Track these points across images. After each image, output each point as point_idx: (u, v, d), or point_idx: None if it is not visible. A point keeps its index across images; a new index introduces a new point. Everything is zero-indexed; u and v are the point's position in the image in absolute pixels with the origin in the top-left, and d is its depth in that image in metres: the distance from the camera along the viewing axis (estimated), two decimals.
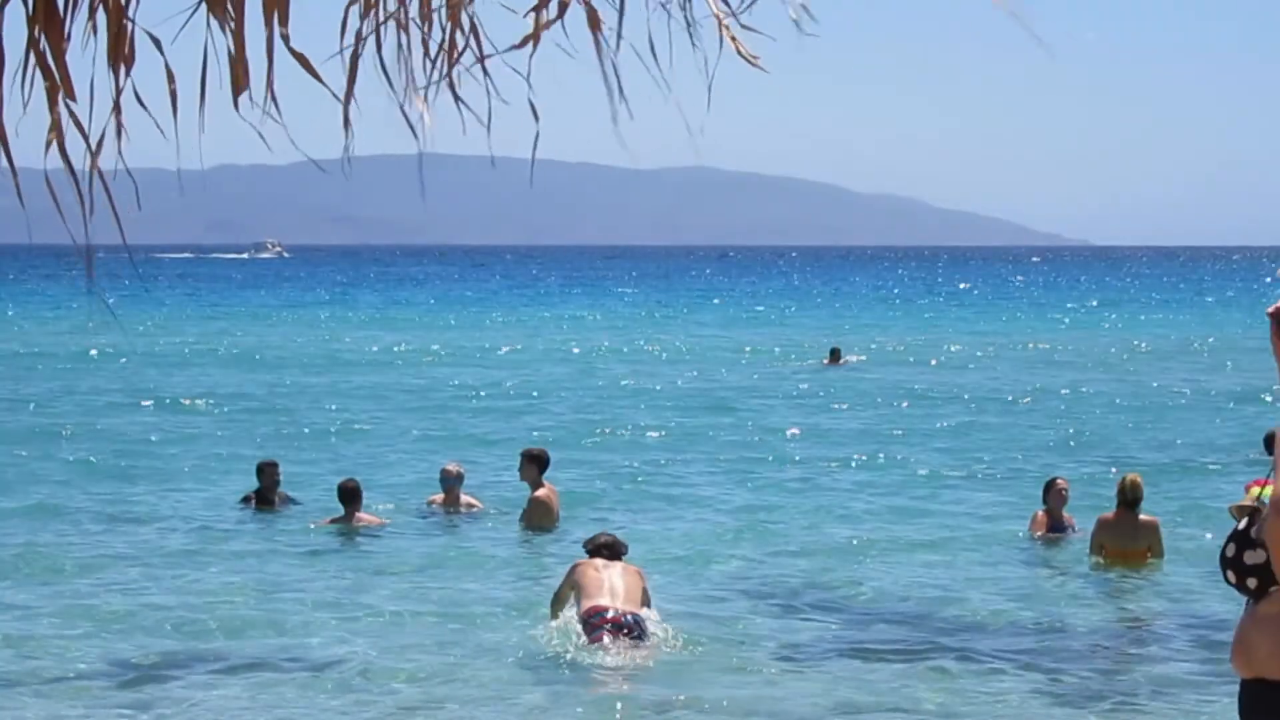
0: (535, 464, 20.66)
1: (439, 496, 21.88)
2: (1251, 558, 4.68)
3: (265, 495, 21.89)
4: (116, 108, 4.54)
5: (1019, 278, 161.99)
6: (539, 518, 20.70)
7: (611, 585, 14.79)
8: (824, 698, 13.49)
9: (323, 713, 13.11)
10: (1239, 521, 4.76)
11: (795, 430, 32.52)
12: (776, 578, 18.20)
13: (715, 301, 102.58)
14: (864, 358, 51.53)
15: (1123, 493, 18.53)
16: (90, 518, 21.86)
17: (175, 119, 4.68)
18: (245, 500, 22.08)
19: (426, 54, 4.79)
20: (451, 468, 22.06)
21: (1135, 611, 16.90)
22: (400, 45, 4.77)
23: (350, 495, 20.77)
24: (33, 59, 4.52)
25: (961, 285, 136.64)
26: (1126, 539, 18.50)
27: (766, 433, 32.12)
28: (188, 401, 36.92)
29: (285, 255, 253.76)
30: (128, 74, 4.53)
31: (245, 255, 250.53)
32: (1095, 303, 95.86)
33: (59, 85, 4.46)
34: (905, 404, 37.78)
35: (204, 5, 4.58)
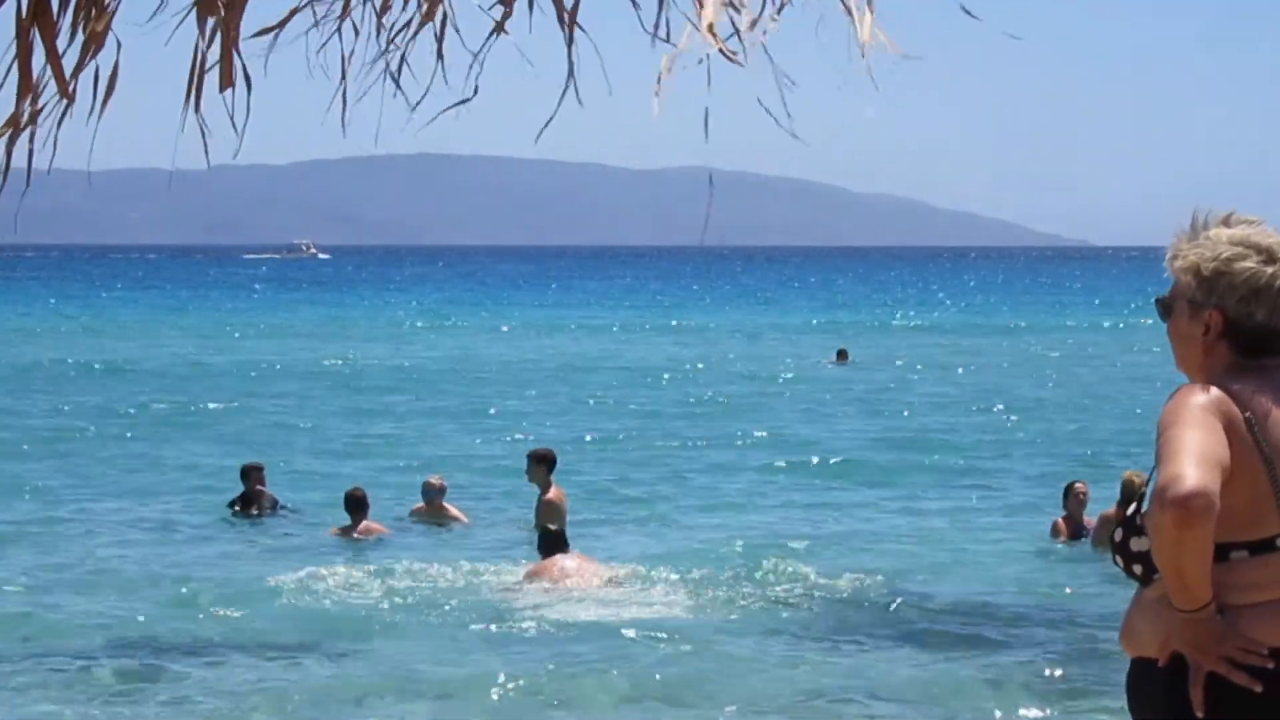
0: (543, 465, 20.55)
1: (421, 506, 21.76)
2: (1137, 545, 4.74)
3: (250, 498, 21.79)
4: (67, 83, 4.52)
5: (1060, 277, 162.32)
6: (549, 519, 20.50)
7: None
8: (826, 693, 13.46)
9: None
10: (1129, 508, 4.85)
11: (801, 430, 32.54)
12: (787, 577, 18.15)
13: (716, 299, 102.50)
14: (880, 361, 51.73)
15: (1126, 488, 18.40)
16: (76, 522, 21.79)
17: (99, 118, 4.65)
18: (232, 505, 21.98)
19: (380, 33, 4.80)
20: (434, 480, 21.90)
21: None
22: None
23: (357, 504, 20.61)
24: (40, 58, 4.51)
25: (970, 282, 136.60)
26: None
27: (773, 433, 32.12)
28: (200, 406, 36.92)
29: (321, 256, 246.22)
30: (93, 56, 4.51)
31: (278, 256, 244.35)
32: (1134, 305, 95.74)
33: (32, 84, 4.45)
34: (915, 404, 37.78)
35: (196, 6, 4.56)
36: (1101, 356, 53.71)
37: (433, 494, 21.60)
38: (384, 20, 4.81)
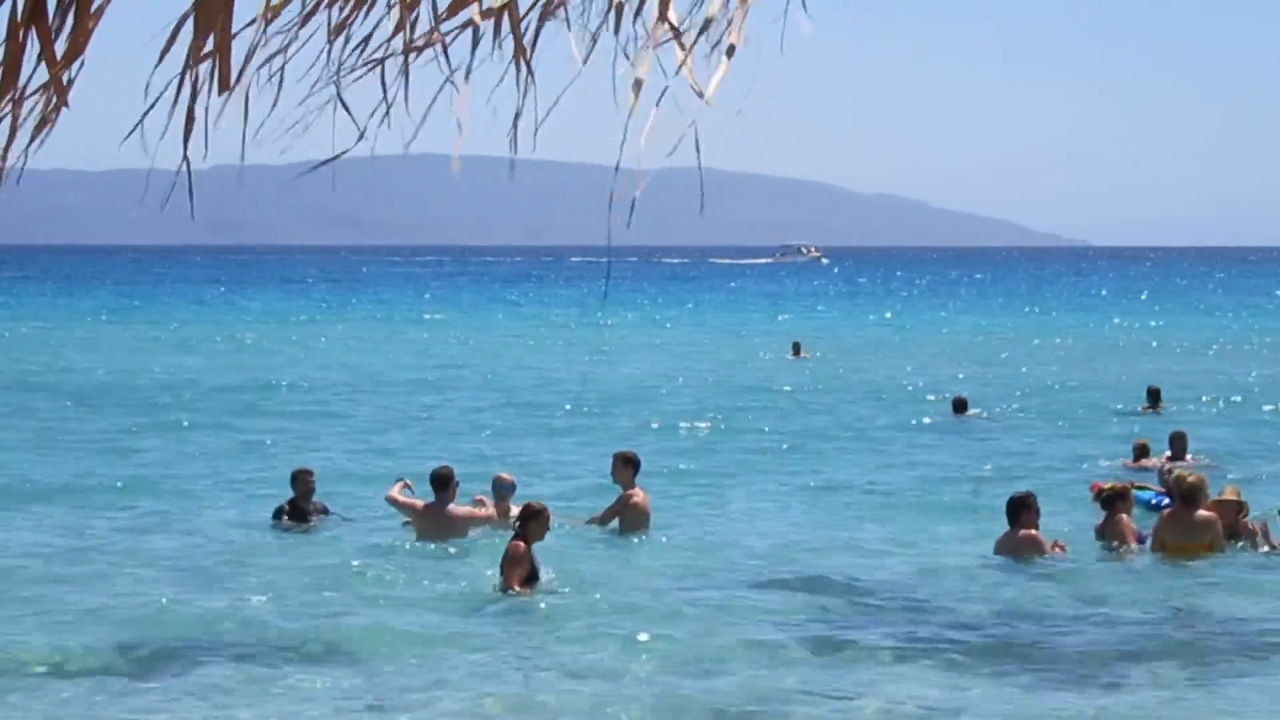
0: (631, 466, 20.57)
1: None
2: None
3: (299, 505, 21.14)
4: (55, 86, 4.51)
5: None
6: (634, 520, 20.51)
7: None
8: (800, 693, 13.39)
9: None
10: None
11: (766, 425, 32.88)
12: (783, 575, 18.09)
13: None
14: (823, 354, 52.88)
15: (1182, 490, 18.42)
16: (118, 527, 21.52)
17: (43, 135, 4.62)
18: (279, 512, 21.22)
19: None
20: (506, 476, 20.95)
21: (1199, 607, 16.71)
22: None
23: (442, 482, 19.80)
24: (34, 59, 4.49)
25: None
26: (1186, 535, 18.39)
27: (739, 429, 32.28)
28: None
29: (824, 261, 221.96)
30: (66, 66, 4.50)
31: (768, 260, 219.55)
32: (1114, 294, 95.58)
33: (13, 85, 4.43)
34: (874, 400, 37.94)
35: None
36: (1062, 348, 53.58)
37: (504, 489, 20.54)
38: (338, 38, 4.79)
